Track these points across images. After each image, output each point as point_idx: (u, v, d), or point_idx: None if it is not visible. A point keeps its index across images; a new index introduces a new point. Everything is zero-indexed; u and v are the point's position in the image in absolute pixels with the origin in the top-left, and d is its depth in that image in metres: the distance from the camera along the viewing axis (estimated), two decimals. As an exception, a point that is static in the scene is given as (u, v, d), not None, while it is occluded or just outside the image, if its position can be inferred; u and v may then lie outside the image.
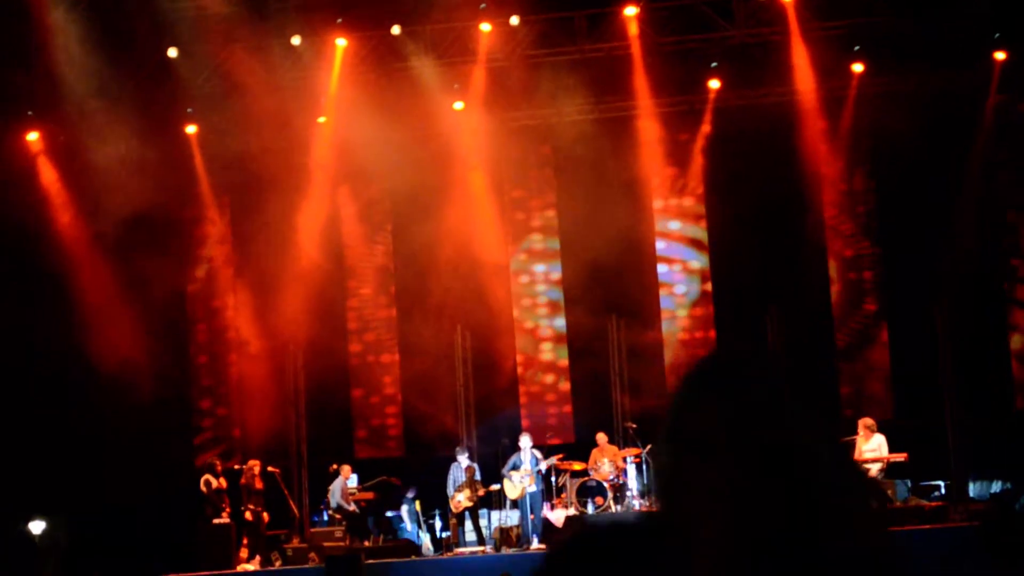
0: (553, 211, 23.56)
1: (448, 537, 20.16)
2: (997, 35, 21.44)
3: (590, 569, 1.81)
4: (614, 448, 20.22)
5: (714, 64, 22.15)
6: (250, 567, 19.21)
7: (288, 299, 22.49)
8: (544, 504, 19.79)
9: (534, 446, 20.08)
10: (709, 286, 23.14)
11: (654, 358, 22.60)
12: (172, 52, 21.71)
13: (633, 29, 21.77)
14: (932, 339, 19.65)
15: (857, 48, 21.67)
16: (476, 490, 19.92)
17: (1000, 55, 21.53)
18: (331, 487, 20.30)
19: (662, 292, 23.20)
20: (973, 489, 19.78)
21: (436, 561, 18.90)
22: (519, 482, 19.72)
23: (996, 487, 20.31)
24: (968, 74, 21.67)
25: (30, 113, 22.24)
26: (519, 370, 23.35)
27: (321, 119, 22.68)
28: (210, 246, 23.74)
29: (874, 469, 18.84)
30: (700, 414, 1.72)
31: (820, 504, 1.66)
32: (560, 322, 23.40)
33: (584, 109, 22.51)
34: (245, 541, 19.77)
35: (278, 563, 19.34)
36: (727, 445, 1.67)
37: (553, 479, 20.10)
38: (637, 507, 19.31)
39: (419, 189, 22.17)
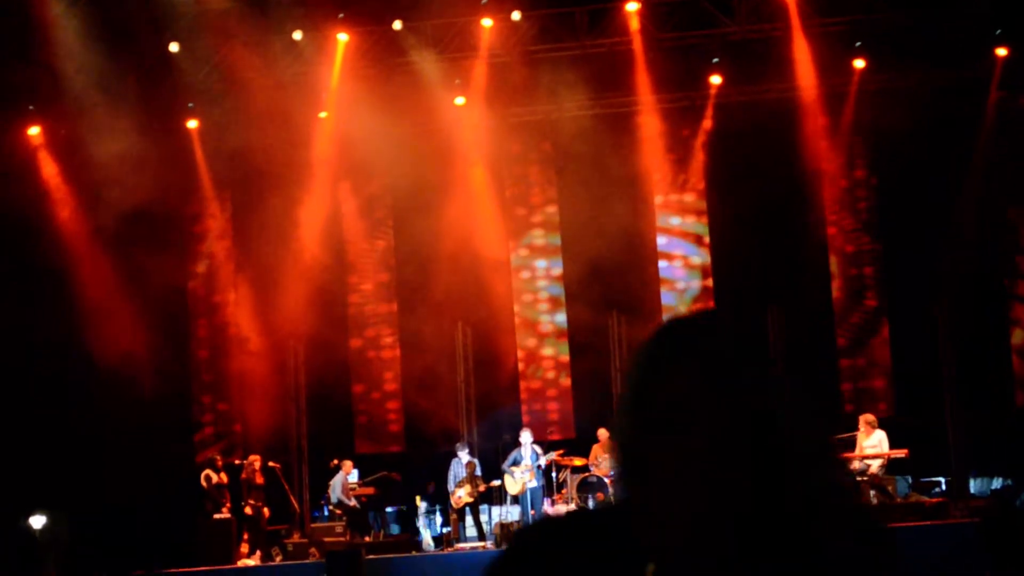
0: (554, 207, 23.56)
1: (448, 533, 20.18)
2: (998, 31, 21.43)
3: (547, 564, 1.73)
4: (615, 444, 20.20)
5: (715, 60, 22.14)
6: (250, 562, 19.22)
7: (289, 294, 22.50)
8: (545, 500, 19.80)
9: (535, 442, 20.09)
10: (710, 282, 23.14)
11: (655, 354, 22.55)
12: (173, 47, 21.71)
13: (634, 24, 21.77)
14: (933, 335, 19.66)
15: (858, 44, 21.66)
16: (477, 486, 19.93)
17: (1001, 51, 21.51)
18: (332, 482, 20.31)
19: (663, 288, 23.20)
20: (974, 485, 19.79)
21: (436, 557, 18.91)
22: (520, 478, 19.74)
23: (997, 483, 20.32)
24: (969, 70, 21.66)
25: (31, 108, 22.24)
26: (520, 366, 23.35)
27: (322, 114, 22.68)
28: (211, 241, 23.74)
29: (875, 465, 18.85)
30: (670, 382, 1.62)
31: (796, 475, 1.59)
32: (561, 318, 23.40)
33: (585, 105, 22.49)
34: (245, 536, 19.79)
35: (278, 558, 19.36)
36: (702, 412, 1.59)
37: (554, 475, 20.11)
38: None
39: (420, 185, 22.17)
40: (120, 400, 21.65)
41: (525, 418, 22.47)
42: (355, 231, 23.79)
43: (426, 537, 20.48)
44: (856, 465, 18.88)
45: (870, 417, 19.28)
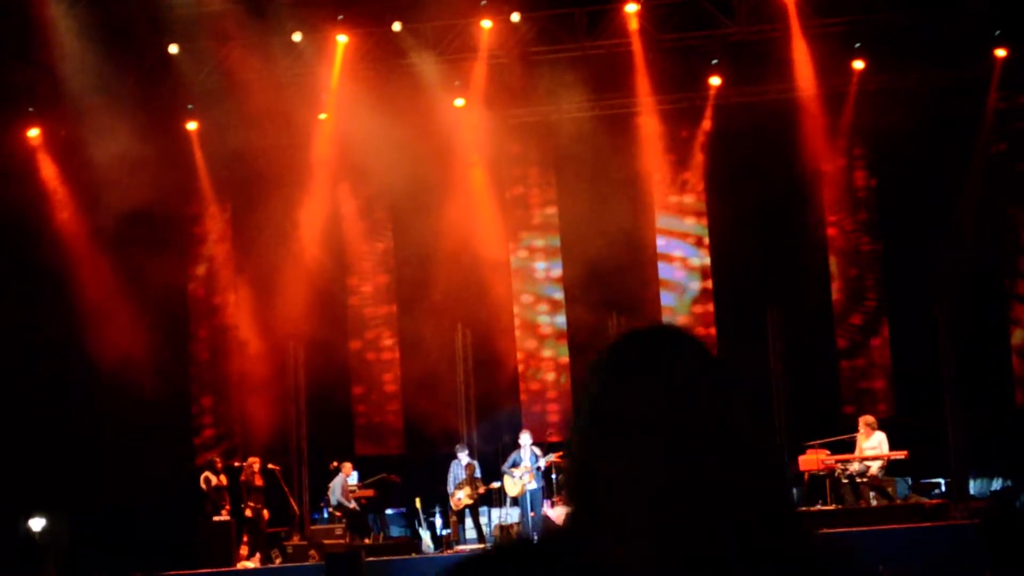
0: (554, 208, 23.55)
1: (448, 535, 20.17)
2: (998, 32, 21.42)
3: None
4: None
5: (715, 61, 22.14)
6: (250, 564, 19.20)
7: (288, 296, 22.50)
8: (544, 501, 19.78)
9: (534, 443, 20.08)
10: (710, 283, 23.13)
11: (655, 355, 22.54)
12: (173, 48, 21.71)
13: (634, 25, 21.76)
14: (932, 336, 19.64)
15: (858, 45, 21.66)
16: (476, 487, 19.92)
17: (1001, 52, 21.51)
18: (331, 484, 20.29)
19: (663, 289, 23.19)
20: (974, 487, 19.77)
21: (436, 559, 18.89)
22: (519, 479, 19.73)
23: (997, 485, 20.31)
24: (969, 71, 21.66)
25: (31, 109, 22.24)
26: (519, 367, 23.34)
27: (322, 116, 22.68)
28: (210, 243, 23.74)
29: (875, 467, 18.84)
30: (629, 394, 1.61)
31: (751, 486, 1.57)
32: (561, 319, 23.39)
33: (585, 106, 22.49)
34: (245, 538, 19.77)
35: (278, 560, 19.35)
36: (663, 424, 1.57)
37: (553, 476, 20.09)
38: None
39: (420, 186, 22.16)
40: (120, 401, 21.65)
41: (525, 419, 22.46)
42: (355, 232, 23.79)
43: (426, 539, 20.48)
44: (856, 467, 18.88)
45: (870, 419, 19.27)
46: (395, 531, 21.31)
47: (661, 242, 23.35)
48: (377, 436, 23.53)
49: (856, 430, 19.23)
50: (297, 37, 21.70)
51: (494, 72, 22.18)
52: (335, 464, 20.58)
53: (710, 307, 23.08)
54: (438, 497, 20.67)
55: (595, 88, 22.32)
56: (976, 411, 19.68)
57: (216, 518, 19.56)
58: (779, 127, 22.00)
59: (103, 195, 21.47)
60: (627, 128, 22.73)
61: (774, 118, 21.99)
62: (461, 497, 19.91)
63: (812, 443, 19.32)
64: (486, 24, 21.65)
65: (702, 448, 1.57)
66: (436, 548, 20.10)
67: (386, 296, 23.79)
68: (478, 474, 20.10)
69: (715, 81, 22.28)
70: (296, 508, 20.21)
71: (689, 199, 23.39)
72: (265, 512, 19.91)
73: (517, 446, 20.05)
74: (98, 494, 20.89)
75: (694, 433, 1.57)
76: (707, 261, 23.21)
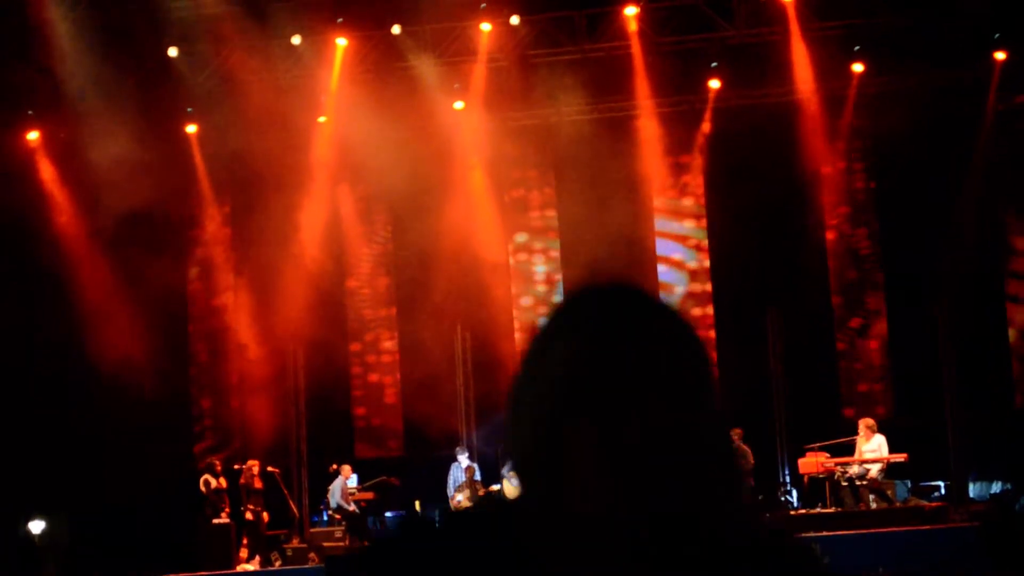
0: (553, 211, 23.56)
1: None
2: (997, 35, 21.43)
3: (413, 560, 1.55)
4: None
5: (714, 64, 22.14)
6: (250, 567, 19.20)
7: (288, 298, 22.49)
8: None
9: (534, 446, 20.05)
10: (709, 286, 23.14)
11: (654, 358, 22.54)
12: (172, 51, 21.71)
13: (633, 28, 21.77)
14: (932, 338, 19.64)
15: (857, 48, 21.67)
16: (476, 490, 19.92)
17: (1000, 55, 21.52)
18: (331, 487, 20.29)
19: (662, 292, 23.18)
20: (973, 490, 19.78)
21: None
22: (518, 483, 19.71)
23: (996, 487, 20.31)
24: (968, 74, 21.67)
25: (30, 112, 22.24)
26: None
27: (321, 118, 22.68)
28: (210, 245, 23.74)
29: (874, 470, 18.85)
30: (583, 360, 1.43)
31: (718, 465, 1.44)
32: (560, 322, 23.35)
33: (584, 109, 22.50)
34: (245, 541, 19.77)
35: (278, 563, 19.34)
36: (642, 395, 1.42)
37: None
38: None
39: (419, 188, 22.16)
40: (119, 403, 21.64)
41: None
42: (354, 235, 23.79)
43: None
44: (856, 470, 18.89)
45: (870, 421, 19.29)
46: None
47: (660, 244, 23.35)
48: (377, 438, 23.53)
49: (856, 433, 19.25)
50: (296, 40, 21.71)
51: (493, 75, 22.18)
52: (335, 467, 20.57)
53: (709, 309, 23.08)
54: (438, 500, 20.68)
55: (594, 91, 22.32)
56: (976, 413, 19.69)
57: (216, 521, 19.56)
58: (778, 130, 22.00)
59: (103, 197, 21.47)
60: (626, 131, 22.73)
61: (773, 121, 22.00)
62: (461, 500, 19.91)
63: (812, 446, 19.33)
64: (485, 27, 21.66)
65: (642, 429, 1.42)
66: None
67: (386, 298, 23.79)
68: (478, 477, 20.10)
69: (714, 84, 22.28)
70: (296, 511, 20.21)
71: (688, 202, 23.40)
72: (265, 515, 19.91)
73: (517, 449, 20.03)
74: (98, 496, 20.89)
75: (677, 408, 1.43)
76: (706, 263, 23.22)
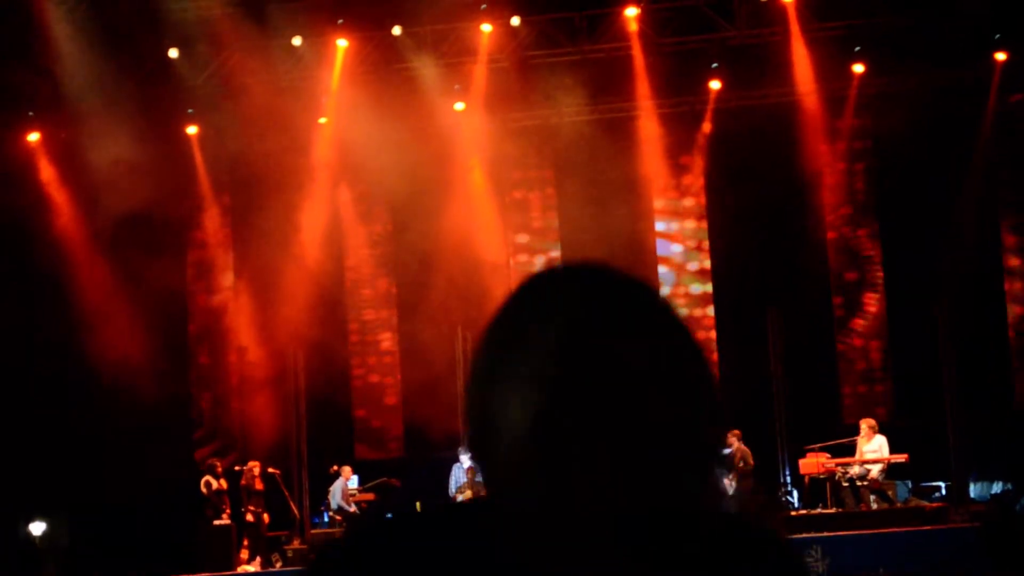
0: (554, 212, 23.56)
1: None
2: (997, 36, 21.43)
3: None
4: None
5: (714, 65, 22.14)
6: (250, 568, 19.20)
7: (288, 299, 22.49)
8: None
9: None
10: (709, 287, 23.14)
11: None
12: (173, 52, 21.72)
13: (633, 28, 21.77)
14: (932, 338, 19.64)
15: (857, 49, 21.67)
16: (477, 491, 19.91)
17: (1000, 56, 21.52)
18: (331, 488, 20.29)
19: (662, 292, 23.15)
20: (974, 490, 19.78)
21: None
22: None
23: (997, 488, 20.31)
24: (968, 75, 21.67)
25: (30, 113, 22.25)
26: (520, 371, 23.30)
27: (322, 119, 22.69)
28: (210, 246, 23.74)
29: (875, 470, 18.84)
30: (597, 357, 1.34)
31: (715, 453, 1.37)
32: (560, 322, 23.35)
33: (584, 110, 22.50)
34: (245, 542, 19.77)
35: (278, 564, 19.33)
36: (647, 381, 1.34)
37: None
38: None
39: (420, 189, 22.16)
40: (120, 405, 21.64)
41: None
42: (354, 236, 23.79)
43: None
44: (856, 470, 18.89)
45: (872, 422, 19.30)
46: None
47: (661, 245, 23.35)
48: (377, 440, 23.53)
49: (857, 433, 19.25)
50: (297, 41, 21.71)
51: (494, 76, 22.18)
52: (335, 468, 20.57)
53: (710, 310, 23.08)
54: (439, 501, 20.67)
55: (595, 92, 22.32)
56: (976, 413, 19.68)
57: (216, 522, 19.55)
58: (779, 130, 22.01)
59: (103, 198, 21.47)
60: (627, 132, 22.73)
61: (774, 121, 22.01)
62: (462, 501, 19.90)
63: (812, 446, 19.33)
64: (486, 28, 21.66)
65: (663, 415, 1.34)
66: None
67: (386, 299, 23.79)
68: (479, 478, 20.07)
69: (715, 85, 22.28)
70: (296, 512, 20.20)
71: (689, 202, 23.40)
72: (265, 516, 19.91)
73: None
74: (98, 497, 20.89)
75: (677, 394, 1.36)
76: (707, 264, 23.22)
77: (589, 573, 1.34)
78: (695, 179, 23.28)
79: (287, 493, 20.14)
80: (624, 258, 22.13)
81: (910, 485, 19.61)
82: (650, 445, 1.33)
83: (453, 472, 20.16)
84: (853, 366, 22.70)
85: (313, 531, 20.16)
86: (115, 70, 21.20)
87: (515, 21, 21.60)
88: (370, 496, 20.60)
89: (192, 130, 22.86)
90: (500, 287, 23.17)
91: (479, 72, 22.19)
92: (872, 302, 22.75)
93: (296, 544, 19.69)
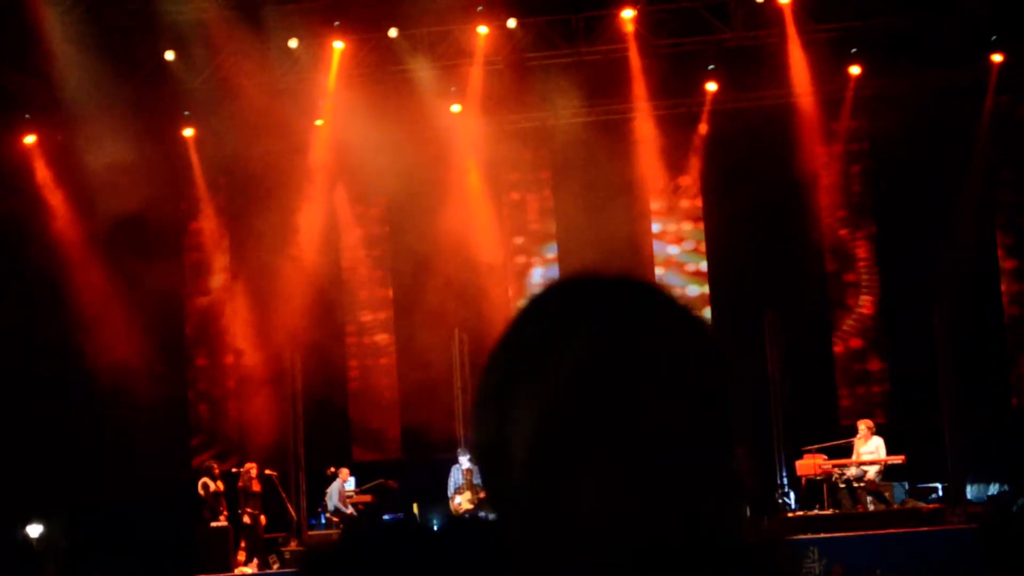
0: (550, 213, 23.56)
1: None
2: (994, 37, 21.45)
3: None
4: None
5: (711, 66, 22.15)
6: (248, 570, 19.20)
7: (285, 301, 22.50)
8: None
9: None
10: (706, 288, 23.14)
11: (652, 360, 22.54)
12: (169, 55, 21.72)
13: (629, 30, 21.78)
14: (930, 340, 19.66)
15: (854, 50, 21.68)
16: (476, 493, 19.92)
17: (997, 57, 21.54)
18: (328, 490, 20.29)
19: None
20: (971, 491, 19.78)
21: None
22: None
23: (994, 489, 20.32)
24: (965, 76, 21.68)
25: (27, 116, 22.24)
26: (517, 373, 23.29)
27: (318, 122, 22.69)
28: (207, 248, 23.74)
29: (872, 471, 18.85)
30: (622, 367, 1.30)
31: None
32: (558, 324, 23.34)
33: (581, 111, 22.51)
34: (243, 544, 19.77)
35: (276, 566, 19.34)
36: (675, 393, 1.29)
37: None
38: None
39: (416, 191, 22.17)
40: (118, 407, 21.64)
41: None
42: (351, 238, 23.79)
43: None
44: (853, 471, 18.90)
45: (870, 422, 19.33)
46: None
47: (658, 247, 23.36)
48: (374, 441, 23.53)
49: (854, 434, 19.27)
50: (293, 43, 21.71)
51: (490, 78, 22.20)
52: (332, 469, 20.57)
53: (707, 311, 23.08)
54: (436, 502, 20.66)
55: (591, 93, 22.33)
56: (973, 414, 19.70)
57: (214, 524, 19.56)
58: (775, 132, 22.02)
59: (99, 201, 21.48)
60: (623, 133, 22.74)
61: (771, 123, 22.02)
62: (461, 502, 19.90)
63: (809, 448, 19.34)
64: (482, 30, 21.67)
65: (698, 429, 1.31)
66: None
67: (383, 301, 23.79)
68: (477, 480, 20.09)
69: (711, 86, 22.29)
70: (293, 514, 20.20)
71: (686, 204, 23.41)
72: (262, 518, 19.91)
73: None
74: (96, 499, 20.88)
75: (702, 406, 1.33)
76: (703, 265, 23.23)
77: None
78: (692, 181, 23.28)
79: (284, 495, 20.14)
80: (621, 259, 22.16)
81: (907, 486, 19.63)
82: (670, 462, 1.30)
83: (452, 473, 20.15)
84: (850, 367, 22.71)
85: (310, 532, 20.16)
86: (111, 72, 21.20)
87: (511, 23, 21.61)
88: (367, 498, 20.59)
89: (188, 132, 22.86)
90: (497, 289, 23.20)
91: (475, 74, 22.20)
92: (869, 303, 22.76)
93: (293, 545, 19.68)
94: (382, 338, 23.69)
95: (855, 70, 21.81)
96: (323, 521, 20.64)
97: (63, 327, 21.93)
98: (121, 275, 22.07)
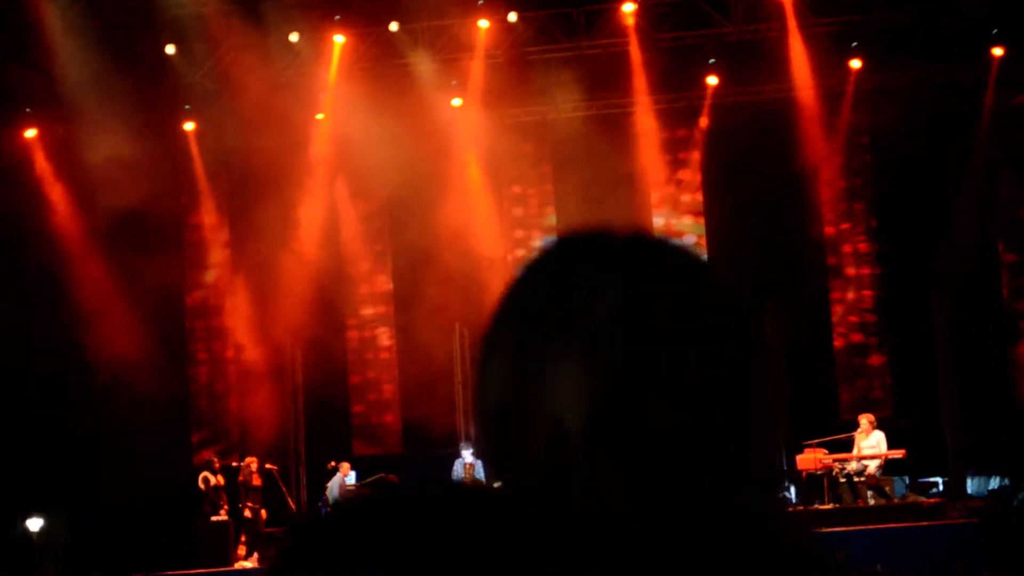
0: (551, 207, 23.55)
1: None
2: (995, 31, 21.43)
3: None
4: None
5: (712, 60, 22.14)
6: (248, 564, 19.21)
7: (286, 295, 22.49)
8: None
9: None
10: (707, 282, 23.10)
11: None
12: (170, 49, 21.70)
13: (630, 23, 21.78)
14: (930, 334, 19.65)
15: (854, 44, 21.67)
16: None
17: (998, 51, 21.51)
18: (329, 484, 20.29)
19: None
20: (971, 486, 19.78)
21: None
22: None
23: (994, 484, 20.32)
24: (966, 70, 21.66)
25: (27, 110, 22.23)
26: (517, 367, 23.28)
27: (319, 116, 22.68)
28: (208, 243, 23.73)
29: (872, 466, 18.86)
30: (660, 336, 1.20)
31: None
32: (558, 318, 23.34)
33: (582, 105, 22.50)
34: (243, 538, 19.78)
35: (276, 560, 19.31)
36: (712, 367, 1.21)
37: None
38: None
39: (417, 185, 22.16)
40: (118, 401, 21.65)
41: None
42: (352, 233, 23.78)
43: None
44: (854, 466, 18.90)
45: (871, 417, 19.32)
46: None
47: (658, 241, 23.33)
48: (375, 436, 23.53)
49: (855, 427, 19.27)
50: (294, 37, 21.70)
51: (491, 72, 22.18)
52: (333, 464, 20.56)
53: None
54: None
55: (592, 87, 22.33)
56: (974, 410, 19.70)
57: (214, 518, 19.57)
58: (776, 126, 22.01)
59: (100, 195, 21.48)
60: (624, 127, 22.73)
61: (771, 117, 22.01)
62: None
63: (810, 442, 19.34)
64: (483, 24, 21.66)
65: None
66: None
67: (384, 296, 23.79)
68: (479, 474, 20.09)
69: (712, 80, 22.27)
70: (294, 508, 20.20)
71: (686, 198, 23.40)
72: (263, 512, 19.91)
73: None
74: (96, 494, 20.89)
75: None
76: (704, 259, 23.19)
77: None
78: (692, 175, 23.28)
79: (285, 489, 20.15)
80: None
81: (907, 481, 19.63)
82: (701, 447, 1.20)
83: (455, 467, 20.14)
84: (851, 361, 22.70)
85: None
86: (112, 67, 21.19)
87: (512, 17, 21.60)
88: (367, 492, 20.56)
89: (189, 126, 22.84)
90: (498, 282, 23.15)
91: (476, 68, 22.18)
92: (869, 297, 22.76)
93: (294, 540, 19.67)
94: (382, 332, 23.69)
95: (856, 64, 21.79)
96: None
97: (63, 322, 21.93)
98: (121, 269, 22.07)
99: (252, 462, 20.11)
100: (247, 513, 19.72)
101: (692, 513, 1.19)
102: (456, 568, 1.23)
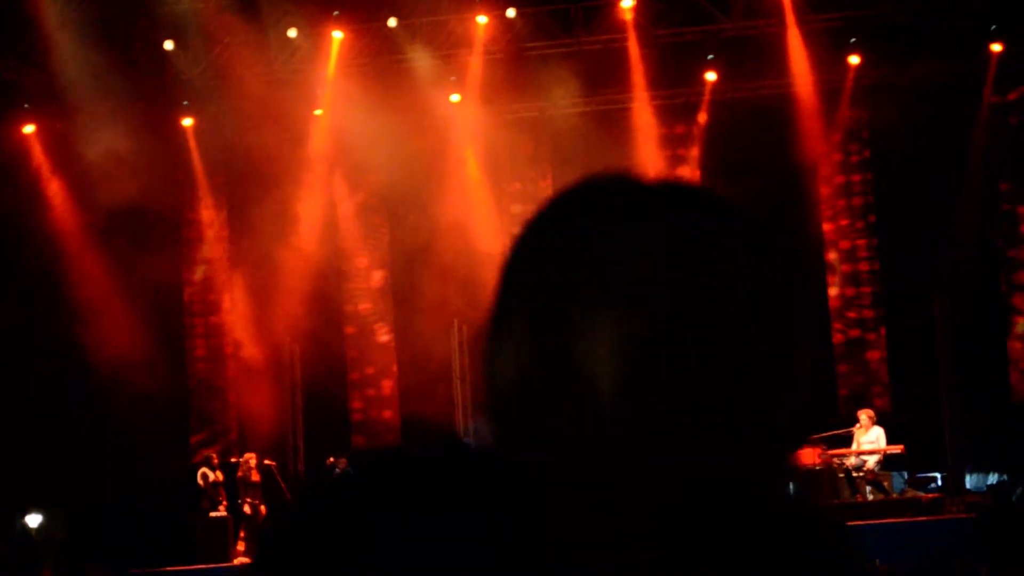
0: (549, 203, 23.53)
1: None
2: (994, 27, 21.43)
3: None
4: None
5: (710, 56, 22.13)
6: (247, 560, 19.20)
7: (284, 291, 22.50)
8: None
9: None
10: (706, 279, 23.12)
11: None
12: (168, 44, 21.68)
13: (629, 19, 21.77)
14: (930, 331, 19.66)
15: (853, 40, 21.66)
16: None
17: (997, 47, 21.51)
18: (328, 480, 20.28)
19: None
20: (970, 481, 19.80)
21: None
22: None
23: (992, 479, 20.33)
24: (965, 66, 21.66)
25: (26, 106, 22.21)
26: (516, 363, 23.29)
27: (317, 111, 22.66)
28: (206, 239, 23.73)
29: (871, 461, 18.87)
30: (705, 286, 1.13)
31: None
32: (557, 315, 23.34)
33: (580, 101, 22.49)
34: (242, 534, 19.78)
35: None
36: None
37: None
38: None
39: (415, 181, 22.16)
40: (117, 398, 21.63)
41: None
42: (350, 228, 23.78)
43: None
44: (852, 461, 18.91)
45: (871, 412, 19.34)
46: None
47: (657, 237, 23.34)
48: (373, 432, 23.53)
49: (855, 422, 19.28)
50: (292, 33, 21.69)
51: (489, 67, 22.17)
52: (331, 460, 20.56)
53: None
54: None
55: (590, 83, 22.32)
56: (973, 405, 19.71)
57: (213, 514, 19.58)
58: (775, 122, 22.00)
59: (98, 191, 21.46)
60: (622, 123, 22.72)
61: (770, 113, 22.01)
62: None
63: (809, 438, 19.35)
64: (481, 19, 21.65)
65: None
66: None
67: (382, 292, 23.78)
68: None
69: (710, 76, 22.27)
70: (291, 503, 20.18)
71: (685, 194, 23.38)
72: (262, 508, 19.92)
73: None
74: (95, 490, 20.88)
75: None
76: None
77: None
78: (691, 171, 23.25)
79: (283, 485, 20.15)
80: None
81: (906, 476, 19.64)
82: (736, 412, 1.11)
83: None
84: (850, 357, 22.70)
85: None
86: (110, 62, 21.18)
87: (510, 13, 21.59)
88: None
89: (187, 122, 22.83)
90: (496, 278, 23.17)
91: (475, 64, 22.18)
92: (869, 293, 22.76)
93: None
94: (381, 328, 23.69)
95: (854, 60, 21.78)
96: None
97: (61, 318, 21.92)
98: (119, 265, 22.07)
99: (251, 458, 20.12)
100: (246, 509, 19.73)
101: (736, 478, 1.10)
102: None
